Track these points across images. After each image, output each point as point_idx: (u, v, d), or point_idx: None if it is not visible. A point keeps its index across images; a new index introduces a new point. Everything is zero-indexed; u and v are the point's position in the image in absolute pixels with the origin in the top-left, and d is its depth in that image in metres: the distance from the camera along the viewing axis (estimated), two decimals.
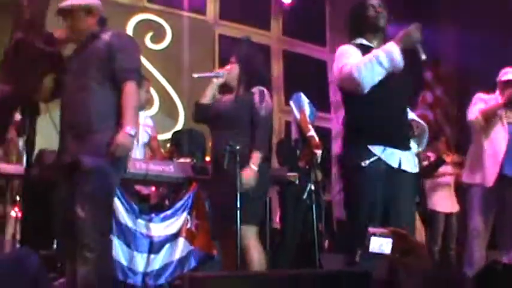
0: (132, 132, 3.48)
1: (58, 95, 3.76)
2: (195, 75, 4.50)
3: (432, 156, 7.08)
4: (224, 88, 4.54)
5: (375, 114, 3.54)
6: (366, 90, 3.44)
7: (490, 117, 5.06)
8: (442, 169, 7.07)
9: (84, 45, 3.73)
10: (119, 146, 3.44)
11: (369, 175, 3.49)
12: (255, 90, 4.33)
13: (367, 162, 3.49)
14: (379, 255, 1.60)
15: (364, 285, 2.74)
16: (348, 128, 3.73)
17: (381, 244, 1.60)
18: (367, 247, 1.62)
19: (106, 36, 3.68)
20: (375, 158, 3.49)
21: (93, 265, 3.39)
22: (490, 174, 4.96)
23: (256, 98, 4.29)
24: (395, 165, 3.53)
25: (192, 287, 2.00)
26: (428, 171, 6.98)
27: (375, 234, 1.63)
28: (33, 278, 1.84)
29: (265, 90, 4.37)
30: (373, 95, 3.46)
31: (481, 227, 5.01)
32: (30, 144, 3.43)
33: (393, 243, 1.57)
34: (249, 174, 4.12)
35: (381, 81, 3.43)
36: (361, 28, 3.77)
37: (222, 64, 5.67)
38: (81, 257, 3.41)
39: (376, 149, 3.50)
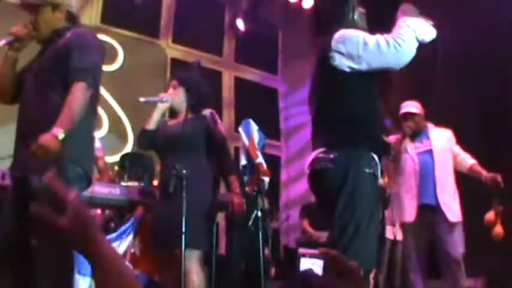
0: (60, 136, 3.02)
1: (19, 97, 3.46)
2: (142, 100, 4.40)
3: None
4: (171, 112, 4.54)
5: (378, 119, 3.33)
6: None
7: (398, 156, 5.23)
8: None
9: (48, 44, 3.43)
10: (38, 147, 3.00)
11: (377, 186, 3.20)
12: (206, 112, 4.34)
13: (377, 171, 3.18)
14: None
15: None
16: (349, 129, 3.20)
17: (311, 266, 1.58)
18: (297, 269, 1.60)
19: (68, 33, 3.37)
20: (377, 167, 3.17)
21: None
22: (409, 209, 5.09)
23: (210, 119, 4.30)
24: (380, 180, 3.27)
25: None
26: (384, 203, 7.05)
27: (304, 256, 1.60)
28: None
29: (213, 112, 4.39)
30: (373, 94, 3.27)
31: (415, 258, 5.09)
32: None
33: (325, 265, 1.54)
34: (239, 199, 4.28)
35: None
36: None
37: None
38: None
39: (376, 158, 3.19)
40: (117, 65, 8.63)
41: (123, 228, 4.95)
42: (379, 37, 3.11)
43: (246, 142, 6.13)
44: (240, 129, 6.31)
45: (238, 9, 9.93)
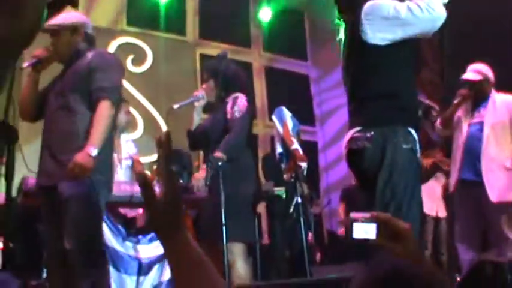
0: (93, 153, 3.33)
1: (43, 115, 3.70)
2: (175, 106, 4.38)
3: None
4: (208, 106, 4.55)
5: (412, 90, 3.23)
6: None
7: (447, 123, 5.05)
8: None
9: (69, 65, 3.68)
10: (76, 165, 3.29)
11: (417, 161, 3.08)
12: (229, 98, 4.32)
13: (415, 146, 3.04)
14: (364, 241, 1.53)
15: None
16: (384, 105, 3.08)
17: (364, 230, 1.54)
18: (350, 234, 1.55)
19: (89, 54, 3.64)
20: (416, 142, 3.05)
21: None
22: (452, 180, 4.96)
23: (229, 105, 4.28)
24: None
25: None
26: (423, 178, 6.94)
27: (357, 220, 1.56)
28: None
29: (240, 95, 4.34)
30: (407, 66, 3.17)
31: (461, 231, 4.96)
32: (9, 171, 3.37)
33: (378, 229, 1.51)
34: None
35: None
36: None
37: None
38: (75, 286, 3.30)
39: (414, 133, 3.06)
40: (147, 66, 8.68)
41: None
42: (409, 3, 3.00)
43: (280, 130, 6.11)
44: (274, 117, 6.29)
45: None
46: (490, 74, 5.00)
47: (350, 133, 3.14)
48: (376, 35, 3.02)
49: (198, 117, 4.47)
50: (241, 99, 4.29)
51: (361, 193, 3.37)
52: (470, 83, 4.97)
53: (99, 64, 3.59)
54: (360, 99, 3.17)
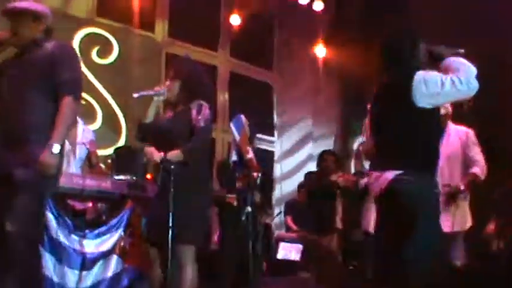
0: (56, 151, 3.43)
1: None
2: (135, 95, 4.42)
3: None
4: (168, 105, 4.54)
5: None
6: None
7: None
8: None
9: (24, 52, 3.68)
10: (43, 165, 3.40)
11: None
12: (194, 104, 4.32)
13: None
14: (287, 262, 1.56)
15: None
16: (422, 153, 3.66)
17: (290, 250, 1.56)
18: (275, 254, 1.58)
19: (49, 46, 3.64)
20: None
21: (22, 280, 3.33)
22: None
23: (194, 112, 4.27)
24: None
25: None
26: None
27: (283, 240, 1.58)
28: None
29: (205, 104, 4.34)
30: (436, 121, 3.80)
31: None
32: None
33: (304, 250, 1.54)
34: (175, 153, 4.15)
35: None
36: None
37: None
38: (10, 272, 3.33)
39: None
40: (112, 59, 8.62)
41: (113, 221, 4.97)
42: (453, 76, 3.53)
43: (237, 138, 6.10)
44: (231, 125, 6.29)
45: (233, 4, 9.93)
46: (449, 108, 5.28)
47: (391, 174, 3.60)
48: (425, 100, 3.58)
49: (152, 112, 4.45)
50: (206, 109, 4.31)
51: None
52: None
53: (61, 57, 3.61)
54: (402, 146, 3.69)
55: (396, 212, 3.63)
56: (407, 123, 3.65)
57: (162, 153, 4.17)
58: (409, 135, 3.66)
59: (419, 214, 3.49)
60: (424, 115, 3.63)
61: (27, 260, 3.40)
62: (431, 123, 3.71)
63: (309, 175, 8.03)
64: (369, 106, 3.97)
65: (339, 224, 7.08)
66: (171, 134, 4.27)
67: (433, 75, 3.61)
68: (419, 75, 3.62)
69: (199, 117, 4.24)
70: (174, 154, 4.10)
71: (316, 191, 7.13)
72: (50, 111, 3.53)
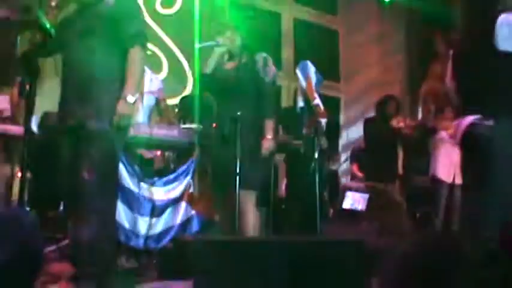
0: (132, 101, 3.50)
1: (54, 51, 3.79)
2: (198, 46, 4.46)
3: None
4: (229, 56, 4.55)
5: None
6: None
7: None
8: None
9: (85, 6, 3.69)
10: (120, 116, 3.48)
11: None
12: (258, 57, 4.32)
13: None
14: (353, 211, 1.55)
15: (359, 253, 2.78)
16: (502, 99, 3.58)
17: (356, 200, 1.55)
18: (341, 203, 1.57)
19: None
20: None
21: (98, 227, 3.41)
22: None
23: (260, 64, 4.28)
24: None
25: (180, 250, 2.03)
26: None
27: (350, 189, 1.57)
28: (24, 240, 1.83)
29: (268, 57, 4.36)
30: None
31: None
32: (30, 106, 3.42)
33: (370, 199, 1.53)
34: (267, 144, 4.26)
35: None
36: None
37: None
38: (86, 219, 3.42)
39: None
40: (176, 8, 8.62)
41: (181, 169, 5.04)
42: None
43: (304, 84, 6.07)
44: (297, 71, 6.24)
45: None
46: None
47: (469, 119, 3.56)
48: (505, 43, 3.44)
49: (213, 62, 4.47)
50: (271, 62, 4.35)
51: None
52: None
53: (124, 9, 3.63)
54: (484, 92, 3.58)
55: (475, 157, 3.61)
56: (490, 67, 3.55)
57: None
58: (492, 79, 3.56)
59: (498, 158, 3.44)
60: (505, 59, 3.50)
61: (103, 208, 3.48)
62: (510, 66, 3.55)
63: (369, 121, 7.88)
64: (451, 52, 3.86)
65: (400, 171, 7.13)
66: (235, 85, 4.29)
67: None
68: (502, 18, 3.48)
69: (266, 71, 4.27)
70: (269, 127, 4.34)
71: (377, 137, 7.01)
72: (117, 64, 3.58)
